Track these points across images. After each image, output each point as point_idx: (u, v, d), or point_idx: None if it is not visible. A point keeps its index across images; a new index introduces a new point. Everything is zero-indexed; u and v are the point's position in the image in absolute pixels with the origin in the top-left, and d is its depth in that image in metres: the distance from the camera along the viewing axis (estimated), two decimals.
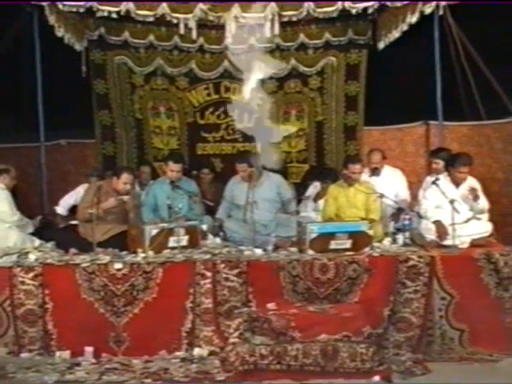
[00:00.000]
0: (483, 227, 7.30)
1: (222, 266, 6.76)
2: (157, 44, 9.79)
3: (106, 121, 9.95)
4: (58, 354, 6.57)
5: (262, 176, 8.16)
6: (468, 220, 7.32)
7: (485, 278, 6.78)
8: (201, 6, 8.10)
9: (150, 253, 6.96)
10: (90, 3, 8.08)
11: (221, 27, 8.61)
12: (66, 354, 6.56)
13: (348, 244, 7.08)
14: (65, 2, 8.08)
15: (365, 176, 8.38)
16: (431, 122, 9.55)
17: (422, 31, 8.64)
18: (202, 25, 8.84)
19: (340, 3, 8.13)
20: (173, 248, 7.08)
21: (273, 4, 8.10)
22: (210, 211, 8.28)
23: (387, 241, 7.42)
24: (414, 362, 6.42)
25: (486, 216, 7.40)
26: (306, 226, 7.17)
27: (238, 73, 9.84)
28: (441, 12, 8.24)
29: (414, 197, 8.26)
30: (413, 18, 8.19)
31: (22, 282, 6.65)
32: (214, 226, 8.00)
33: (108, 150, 10.01)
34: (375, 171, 8.55)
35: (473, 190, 7.23)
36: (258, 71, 7.87)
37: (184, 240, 7.16)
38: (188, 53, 9.89)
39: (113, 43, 9.77)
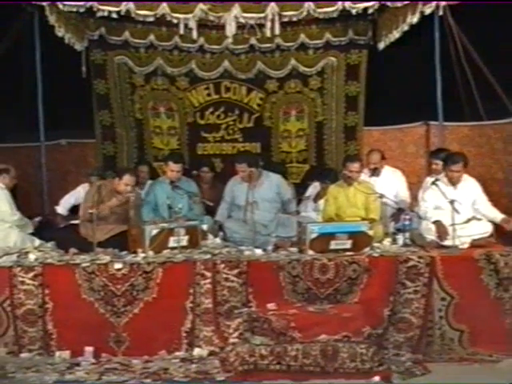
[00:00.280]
0: (483, 227, 7.30)
1: (222, 266, 6.76)
2: (157, 44, 9.79)
3: (106, 121, 9.94)
4: (57, 353, 6.57)
5: (262, 176, 8.18)
6: (468, 220, 7.32)
7: (485, 279, 6.77)
8: (201, 6, 8.09)
9: (150, 253, 6.96)
10: (90, 3, 8.07)
11: (221, 27, 8.59)
12: (66, 353, 6.56)
13: (348, 244, 7.08)
14: (65, 2, 8.06)
15: (365, 176, 8.39)
16: (431, 122, 9.55)
17: (422, 31, 8.64)
18: (203, 25, 8.84)
19: (340, 3, 8.11)
20: (173, 248, 7.08)
21: (273, 4, 8.10)
22: (210, 211, 8.28)
23: (387, 241, 7.41)
24: (414, 362, 6.42)
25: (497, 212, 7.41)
26: (306, 226, 7.17)
27: (238, 73, 9.91)
28: (441, 12, 8.23)
29: (414, 197, 8.25)
30: (413, 19, 8.18)
31: (22, 282, 6.65)
32: (214, 228, 8.00)
33: (108, 149, 10.00)
34: (375, 171, 8.56)
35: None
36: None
37: (184, 240, 7.16)
38: (188, 53, 9.90)
39: (113, 43, 9.78)
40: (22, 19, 8.76)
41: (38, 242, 7.63)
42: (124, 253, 7.09)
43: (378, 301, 6.76)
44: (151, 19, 8.42)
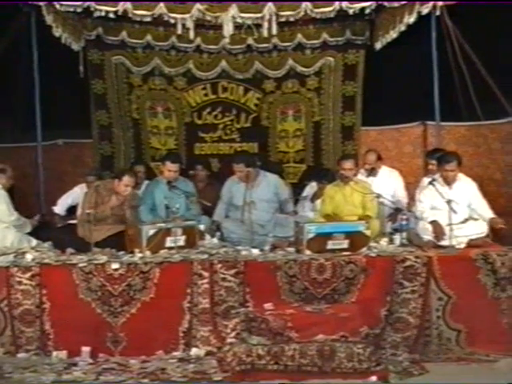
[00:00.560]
0: (480, 227, 7.30)
1: (220, 266, 6.75)
2: (154, 44, 9.80)
3: (103, 121, 9.94)
4: (55, 354, 6.55)
5: (260, 176, 8.19)
6: (465, 220, 7.33)
7: (482, 279, 6.77)
8: (198, 6, 8.09)
9: (148, 253, 6.95)
10: (87, 3, 8.06)
11: (218, 27, 8.60)
12: (63, 354, 6.54)
13: (345, 244, 7.07)
14: (62, 2, 8.06)
15: (362, 176, 8.40)
16: (429, 122, 9.57)
17: (419, 31, 8.64)
18: (200, 25, 8.82)
19: (337, 3, 8.12)
20: (170, 248, 7.07)
21: (270, 4, 8.10)
22: (207, 211, 8.27)
23: (384, 241, 7.41)
24: (411, 362, 6.41)
25: (490, 213, 7.41)
26: (303, 226, 7.17)
27: (236, 73, 9.91)
28: (438, 12, 8.24)
29: (412, 197, 8.26)
30: (410, 19, 8.19)
31: (20, 282, 6.64)
32: (212, 228, 8.00)
33: (105, 149, 10.00)
34: (372, 171, 8.57)
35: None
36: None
37: (181, 240, 7.16)
38: (185, 53, 9.90)
39: (110, 43, 9.78)
40: (19, 19, 8.74)
41: (35, 242, 7.62)
42: (121, 253, 7.08)
43: (376, 301, 6.76)
44: (148, 19, 8.42)
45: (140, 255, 6.92)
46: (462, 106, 9.25)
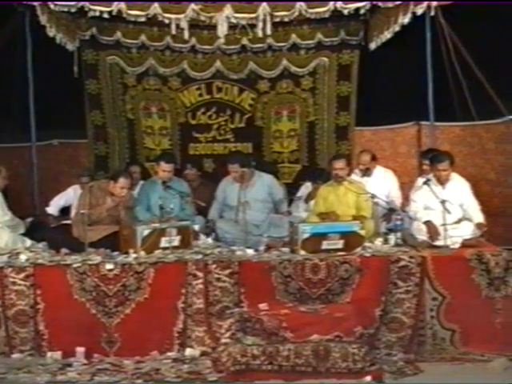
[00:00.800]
0: (474, 227, 7.30)
1: (214, 266, 6.75)
2: (149, 44, 9.79)
3: (98, 121, 9.93)
4: (49, 354, 6.55)
5: (254, 176, 8.19)
6: (459, 220, 7.34)
7: (476, 278, 6.78)
8: (193, 6, 8.08)
9: (142, 253, 6.95)
10: (81, 3, 8.04)
11: (213, 27, 8.58)
12: (58, 354, 6.54)
13: (340, 244, 7.08)
14: (56, 2, 8.04)
15: (356, 176, 8.41)
16: (423, 122, 9.58)
17: (413, 32, 8.65)
18: (194, 25, 8.80)
19: (332, 4, 8.11)
20: (164, 248, 7.07)
21: (265, 4, 8.09)
22: (202, 211, 8.27)
23: (379, 241, 7.41)
24: (406, 362, 6.43)
25: (480, 217, 7.41)
26: (297, 227, 7.17)
27: (230, 73, 9.91)
28: (432, 13, 8.24)
29: (406, 197, 8.26)
30: (405, 19, 8.18)
31: (14, 283, 6.63)
32: (207, 227, 8.01)
33: (100, 150, 9.99)
34: (367, 172, 8.58)
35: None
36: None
37: (176, 240, 7.16)
38: (180, 53, 9.90)
39: (105, 43, 9.77)
40: (13, 19, 8.73)
41: (29, 242, 7.60)
42: (116, 253, 7.08)
43: (370, 301, 6.76)
44: (143, 19, 8.39)
45: (134, 255, 6.92)
46: (456, 106, 9.27)
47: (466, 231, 7.23)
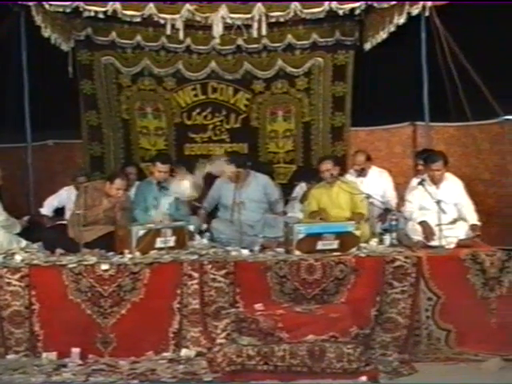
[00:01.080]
0: (469, 228, 7.32)
1: (209, 266, 6.75)
2: (144, 44, 9.79)
3: (93, 121, 9.92)
4: (44, 355, 6.53)
5: (249, 176, 8.19)
6: (454, 221, 7.36)
7: (471, 279, 6.79)
8: (188, 6, 8.08)
9: (137, 254, 6.95)
10: (76, 3, 8.04)
11: (208, 28, 8.59)
12: (53, 355, 6.52)
13: (335, 244, 7.08)
14: (51, 2, 8.03)
15: (351, 177, 8.43)
16: (418, 122, 9.58)
17: (408, 32, 8.66)
18: (189, 25, 8.82)
19: (327, 4, 8.12)
20: (160, 249, 7.06)
21: (260, 5, 8.10)
22: (197, 212, 8.27)
23: (374, 241, 7.42)
24: (401, 362, 6.43)
25: (474, 217, 7.42)
26: (293, 227, 7.17)
27: (225, 73, 9.91)
28: (427, 13, 8.25)
29: (401, 198, 8.27)
30: (400, 19, 8.20)
31: (9, 283, 6.61)
32: (202, 213, 8.02)
33: (95, 150, 9.97)
34: (362, 172, 8.59)
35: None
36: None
37: (171, 241, 7.16)
38: (175, 53, 9.89)
39: (100, 43, 9.76)
40: (8, 20, 8.72)
41: (24, 242, 7.59)
42: (111, 254, 7.07)
43: (365, 301, 6.77)
44: (138, 19, 8.40)
45: (130, 256, 6.91)
46: (451, 106, 9.28)
47: (461, 231, 7.25)
